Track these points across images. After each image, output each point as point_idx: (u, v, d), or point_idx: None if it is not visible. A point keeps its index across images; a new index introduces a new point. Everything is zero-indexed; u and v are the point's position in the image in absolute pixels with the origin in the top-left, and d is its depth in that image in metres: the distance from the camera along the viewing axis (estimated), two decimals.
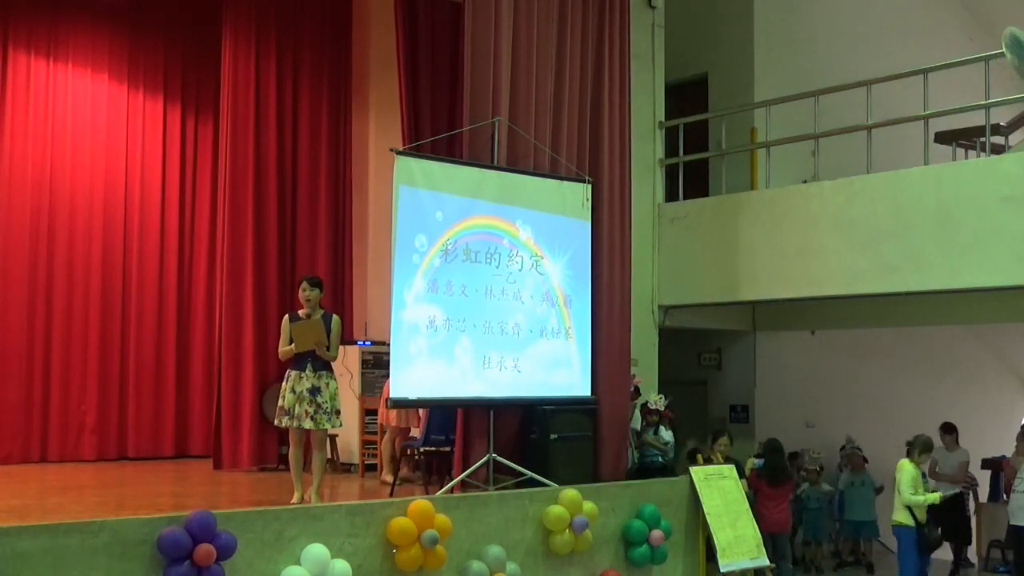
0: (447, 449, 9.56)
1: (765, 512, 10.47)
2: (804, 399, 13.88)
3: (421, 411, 9.86)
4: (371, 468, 10.93)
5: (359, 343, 11.69)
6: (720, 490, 9.53)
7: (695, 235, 11.97)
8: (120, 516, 6.52)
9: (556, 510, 8.22)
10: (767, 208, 11.51)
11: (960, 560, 12.19)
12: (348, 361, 10.94)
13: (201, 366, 12.56)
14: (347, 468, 11.43)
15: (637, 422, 10.79)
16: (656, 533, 8.84)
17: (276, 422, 8.50)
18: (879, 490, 12.64)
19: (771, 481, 10.73)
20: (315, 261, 12.51)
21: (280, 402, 8.34)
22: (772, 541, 10.54)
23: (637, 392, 10.76)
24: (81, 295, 11.99)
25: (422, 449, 9.71)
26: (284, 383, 8.35)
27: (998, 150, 11.16)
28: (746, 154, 13.13)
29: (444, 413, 9.46)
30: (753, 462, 10.99)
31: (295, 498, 8.22)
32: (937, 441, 12.17)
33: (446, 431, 9.52)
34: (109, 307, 12.17)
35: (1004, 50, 9.91)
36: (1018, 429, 11.93)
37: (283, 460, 11.82)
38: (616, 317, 10.24)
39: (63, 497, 8.93)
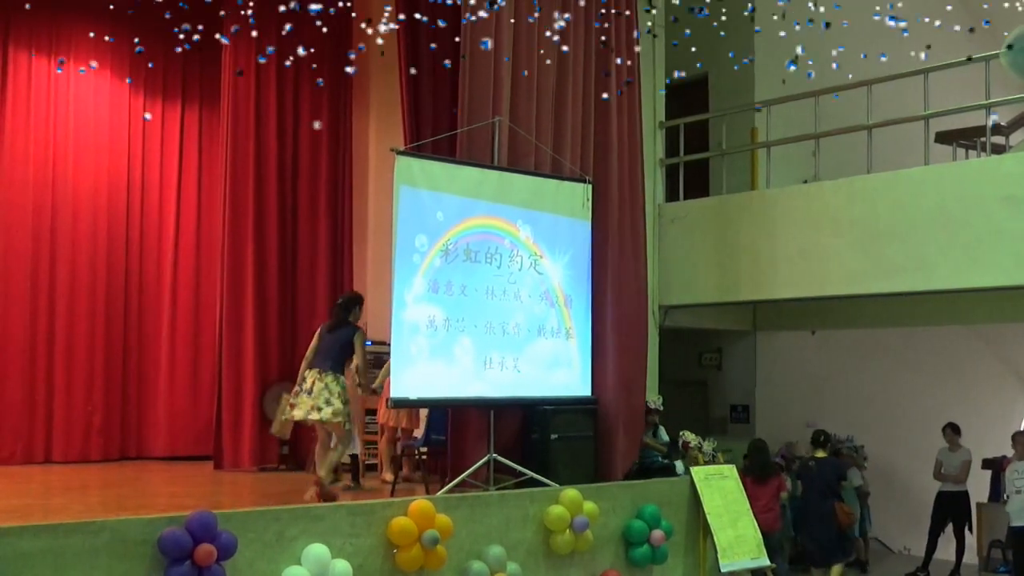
0: (447, 449, 9.56)
1: (756, 514, 10.43)
2: (805, 399, 13.88)
3: (421, 412, 9.88)
4: (371, 468, 10.93)
5: None
6: (721, 490, 9.53)
7: (696, 235, 11.97)
8: (121, 516, 6.52)
9: (557, 510, 8.23)
10: (768, 208, 11.51)
11: (960, 558, 12.20)
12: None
13: (203, 366, 12.55)
14: (347, 469, 11.41)
15: None
16: (657, 533, 8.84)
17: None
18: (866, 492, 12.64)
19: (757, 478, 10.62)
20: (315, 261, 12.51)
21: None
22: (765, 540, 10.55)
23: None
24: (83, 295, 11.99)
25: (423, 449, 9.72)
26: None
27: (999, 150, 11.16)
28: (746, 154, 13.13)
29: (445, 413, 9.47)
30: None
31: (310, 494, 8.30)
32: (942, 441, 12.21)
33: (447, 431, 9.52)
34: (111, 307, 12.17)
35: (1004, 52, 9.91)
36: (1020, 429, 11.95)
37: (283, 460, 11.83)
38: (630, 316, 10.21)
39: (65, 497, 8.93)
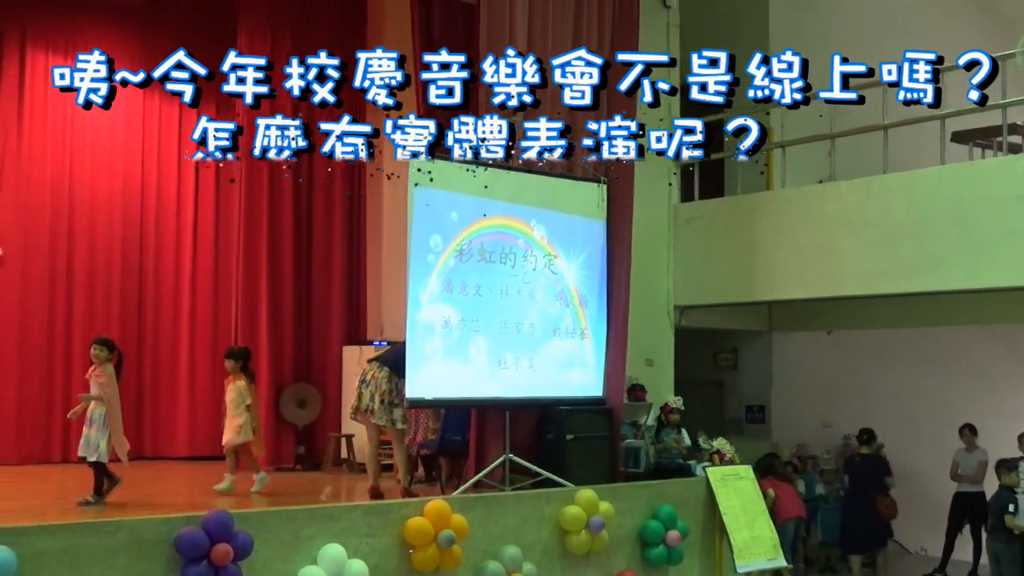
0: (464, 449, 9.56)
1: (786, 502, 10.97)
2: (820, 399, 13.85)
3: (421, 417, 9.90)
4: (387, 468, 10.92)
5: (375, 343, 11.71)
6: (737, 491, 9.51)
7: (711, 235, 11.95)
8: (138, 516, 6.55)
9: (572, 510, 8.22)
10: (783, 208, 11.49)
11: (977, 559, 12.14)
12: (364, 361, 10.95)
13: (220, 366, 12.51)
14: (363, 468, 11.43)
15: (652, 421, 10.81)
16: (673, 534, 8.83)
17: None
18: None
19: (778, 477, 11.26)
20: (330, 261, 12.54)
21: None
22: (796, 527, 11.27)
23: (643, 391, 10.78)
24: (100, 295, 12.02)
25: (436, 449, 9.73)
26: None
27: (1015, 149, 11.11)
28: (762, 154, 13.08)
29: (461, 413, 9.47)
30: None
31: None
32: (958, 442, 12.18)
33: (463, 431, 9.52)
34: (128, 307, 12.19)
35: (1020, 51, 9.86)
36: None
37: (300, 460, 11.87)
38: (620, 317, 10.18)
39: (81, 497, 8.95)
